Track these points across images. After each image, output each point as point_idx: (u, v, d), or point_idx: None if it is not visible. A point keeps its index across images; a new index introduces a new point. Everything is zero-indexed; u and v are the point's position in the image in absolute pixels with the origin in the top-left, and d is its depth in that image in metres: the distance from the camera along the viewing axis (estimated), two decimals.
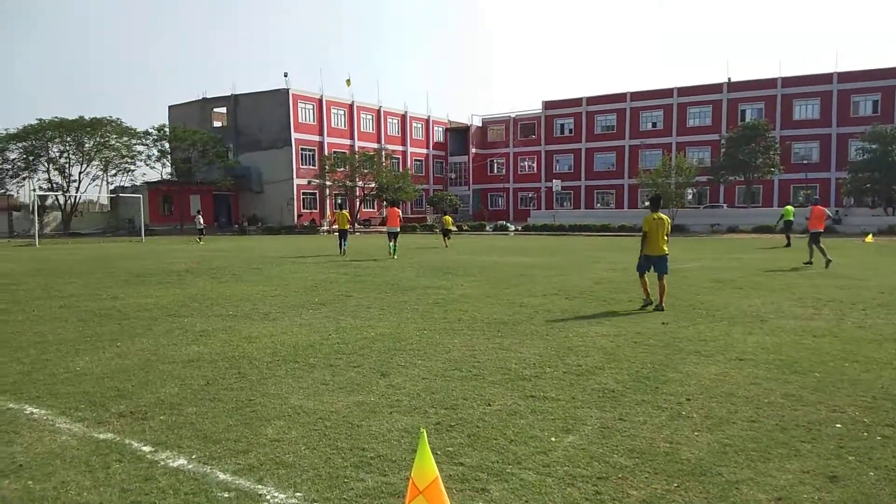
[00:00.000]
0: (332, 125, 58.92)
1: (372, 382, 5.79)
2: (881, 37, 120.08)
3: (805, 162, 48.82)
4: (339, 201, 56.22)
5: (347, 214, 24.04)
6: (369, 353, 6.90)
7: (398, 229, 22.03)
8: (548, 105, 68.32)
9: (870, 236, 29.02)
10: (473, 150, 71.46)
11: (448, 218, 29.96)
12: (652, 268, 10.07)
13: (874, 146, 40.78)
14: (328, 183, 53.72)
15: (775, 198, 56.33)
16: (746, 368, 6.18)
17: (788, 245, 24.91)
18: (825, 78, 55.27)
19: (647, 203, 54.06)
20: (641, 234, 10.20)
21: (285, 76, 56.13)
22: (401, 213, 24.82)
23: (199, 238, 35.90)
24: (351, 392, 5.52)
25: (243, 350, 7.15)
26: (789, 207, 25.98)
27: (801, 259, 18.10)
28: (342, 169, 53.58)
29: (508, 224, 49.38)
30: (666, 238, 10.09)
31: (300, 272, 16.06)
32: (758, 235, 34.72)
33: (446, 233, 29.35)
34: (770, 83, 57.32)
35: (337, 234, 24.53)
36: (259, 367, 6.41)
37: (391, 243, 21.45)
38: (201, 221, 36.74)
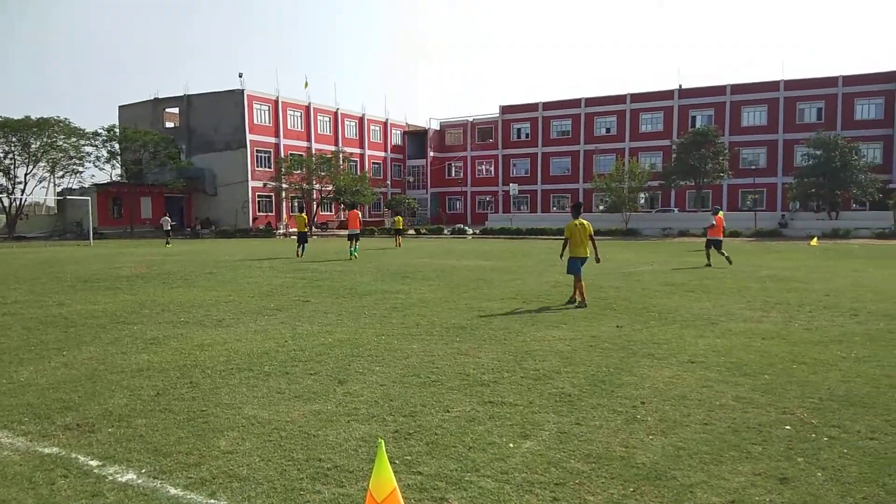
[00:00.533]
0: (289, 127, 58.20)
1: (329, 390, 5.72)
2: (825, 47, 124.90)
3: (753, 167, 50.18)
4: (297, 204, 55.56)
5: (305, 217, 23.90)
6: (326, 360, 6.82)
7: (358, 231, 22.74)
8: (505, 109, 68.86)
9: (815, 240, 30.02)
10: (431, 154, 71.52)
11: (399, 218, 32.79)
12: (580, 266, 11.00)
13: (818, 152, 42.23)
14: (284, 185, 52.99)
15: (724, 202, 57.91)
16: (698, 371, 6.31)
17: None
18: (772, 86, 57.09)
19: (601, 207, 55.05)
20: (563, 239, 11.13)
21: (240, 76, 55.09)
22: (360, 216, 25.17)
23: (167, 241, 35.43)
24: (307, 400, 5.44)
25: (195, 358, 6.99)
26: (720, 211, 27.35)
27: (721, 264, 18.62)
28: (299, 171, 52.95)
29: (466, 227, 49.55)
30: (591, 241, 11.14)
31: (255, 277, 15.82)
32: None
33: (398, 232, 32.14)
34: (719, 90, 58.93)
35: (295, 237, 24.28)
36: (212, 375, 6.27)
37: (351, 245, 22.16)
38: (170, 223, 36.73)
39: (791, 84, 56.58)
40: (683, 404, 5.29)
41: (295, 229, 24.35)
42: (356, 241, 22.23)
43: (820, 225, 39.39)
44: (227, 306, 10.77)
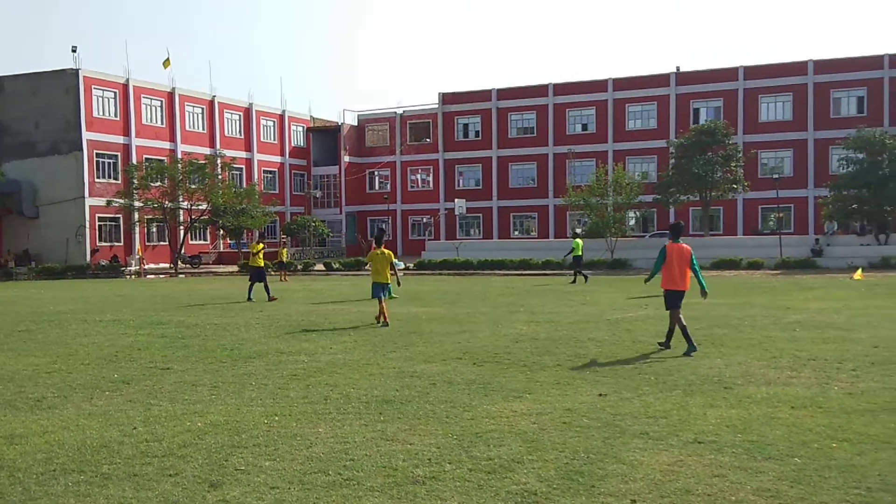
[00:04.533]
0: (144, 121, 57.29)
1: (196, 498, 5.60)
2: (865, 21, 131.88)
3: (776, 176, 52.08)
4: (159, 228, 54.53)
5: (261, 247, 25.28)
6: (194, 454, 6.70)
7: (262, 267, 24.38)
8: (447, 98, 69.76)
9: (859, 272, 31.22)
10: (347, 159, 71.63)
11: (284, 250, 37.35)
12: (383, 291, 16.75)
13: (860, 156, 44.05)
14: (138, 203, 51.91)
15: (740, 223, 59.83)
16: (707, 454, 6.44)
17: (574, 282, 30.12)
18: (798, 68, 59.71)
19: (579, 230, 55.97)
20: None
21: (74, 52, 53.84)
22: (262, 248, 26.00)
23: None
24: None
25: (1, 456, 6.75)
26: (579, 241, 31.23)
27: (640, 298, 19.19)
28: (158, 184, 52.02)
29: (396, 260, 49.56)
30: (391, 269, 17.28)
31: (94, 335, 15.46)
32: (719, 272, 36.67)
33: (282, 266, 36.60)
34: (730, 74, 61.30)
35: (250, 276, 24.89)
36: (25, 481, 6.06)
37: (252, 284, 23.91)
38: None
39: (823, 65, 59.29)
40: (687, 501, 5.36)
41: (251, 263, 24.81)
42: (261, 281, 23.87)
43: (865, 252, 40.95)
44: (51, 379, 10.48)
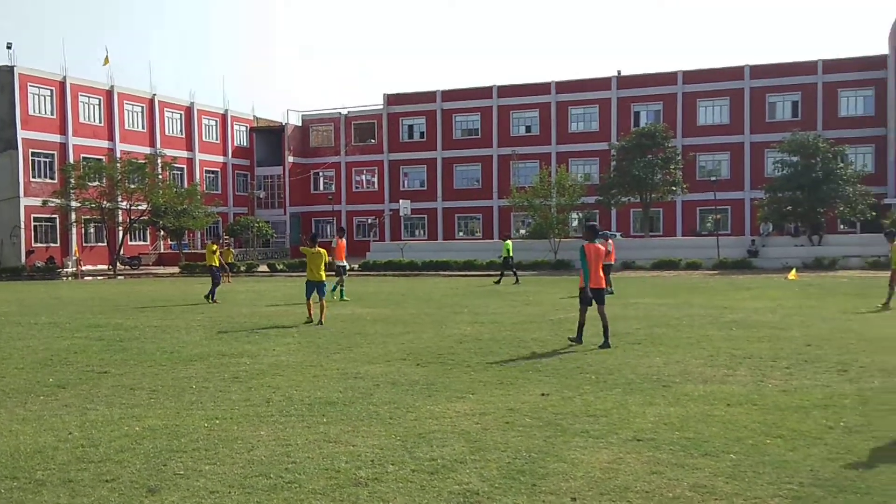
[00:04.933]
0: (81, 120, 56.15)
1: (133, 503, 5.52)
2: (800, 28, 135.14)
3: (714, 179, 53.13)
4: (96, 228, 53.40)
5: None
6: (132, 459, 6.59)
7: (217, 267, 24.20)
8: (392, 100, 69.67)
9: (793, 272, 31.99)
10: (291, 159, 71.03)
11: (230, 251, 38.11)
12: (316, 290, 17.16)
13: (795, 158, 45.19)
14: (75, 203, 50.84)
15: (679, 224, 60.90)
16: (646, 452, 6.54)
17: (499, 282, 30.75)
18: (735, 73, 61.00)
19: (523, 231, 56.47)
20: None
21: (9, 48, 52.55)
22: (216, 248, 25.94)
23: None
24: None
25: None
26: (509, 243, 32.25)
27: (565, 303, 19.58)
28: (97, 183, 51.00)
29: (341, 262, 49.32)
30: (324, 267, 17.57)
31: (28, 338, 15.14)
32: (659, 273, 37.26)
33: (224, 268, 35.61)
34: (669, 78, 62.33)
35: (211, 275, 24.60)
36: None
37: (337, 284, 23.43)
38: None
39: (759, 70, 60.68)
40: (626, 498, 5.44)
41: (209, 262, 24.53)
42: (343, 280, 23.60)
43: (799, 253, 41.99)
44: None
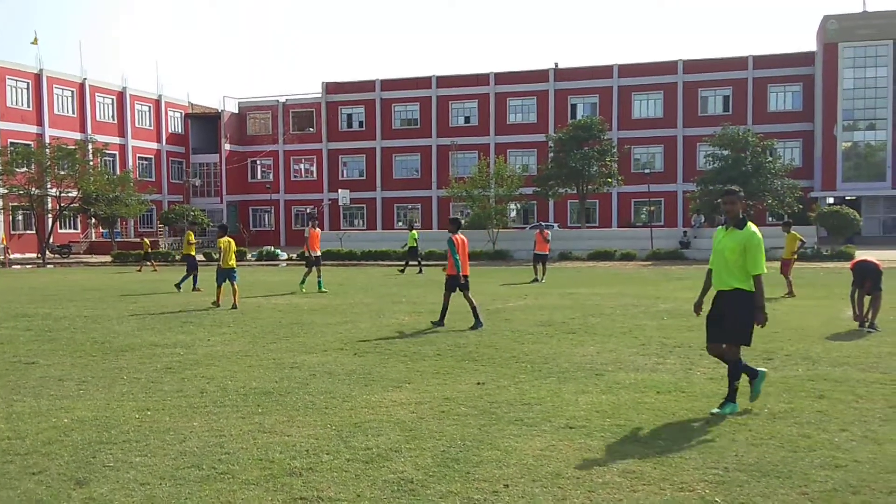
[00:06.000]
0: (9, 104, 54.63)
1: (61, 496, 5.43)
2: (730, 24, 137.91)
3: (647, 171, 53.98)
4: (25, 216, 51.91)
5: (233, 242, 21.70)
6: (59, 451, 6.48)
7: (319, 254, 22.89)
8: (331, 88, 69.17)
9: None
10: (227, 147, 70.04)
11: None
12: (227, 277, 18.10)
13: (725, 152, 46.27)
14: (2, 190, 49.40)
15: (614, 215, 61.83)
16: (577, 438, 6.66)
17: (403, 272, 31.57)
18: (668, 67, 62.10)
19: (462, 222, 56.48)
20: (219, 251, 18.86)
21: None
22: (193, 239, 25.55)
23: None
24: None
25: None
26: (415, 233, 33.45)
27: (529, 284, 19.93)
28: (25, 170, 49.60)
29: (278, 251, 48.86)
30: (234, 256, 18.67)
31: None
32: (595, 263, 37.76)
33: (146, 257, 37.32)
34: (605, 72, 63.15)
35: (186, 264, 24.33)
36: None
37: (309, 274, 22.44)
38: None
39: (692, 66, 61.87)
40: (557, 484, 5.53)
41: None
42: (319, 270, 22.60)
43: None
44: None
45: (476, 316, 14.12)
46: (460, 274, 14.30)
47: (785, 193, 45.62)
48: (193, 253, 24.50)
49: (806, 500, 5.25)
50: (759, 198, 45.89)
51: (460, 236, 14.70)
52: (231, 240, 18.90)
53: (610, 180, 50.44)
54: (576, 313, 16.05)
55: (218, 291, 18.25)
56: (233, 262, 18.46)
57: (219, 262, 18.79)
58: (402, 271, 31.73)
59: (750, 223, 7.72)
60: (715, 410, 7.41)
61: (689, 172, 58.84)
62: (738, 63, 60.73)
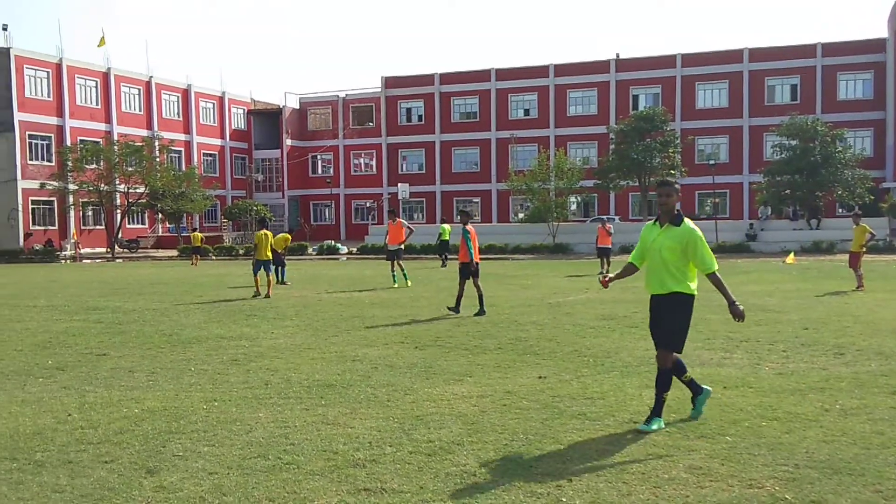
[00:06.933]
0: (79, 102, 56.06)
1: (133, 484, 5.53)
2: (798, 10, 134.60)
3: (712, 163, 53.05)
4: (94, 211, 53.33)
5: (270, 235, 21.23)
6: (130, 440, 6.61)
7: (401, 247, 22.85)
8: (389, 82, 69.46)
9: (791, 256, 32.06)
10: (289, 142, 70.93)
11: (198, 234, 41.03)
12: (262, 267, 19.31)
13: (793, 142, 45.23)
14: (73, 186, 50.77)
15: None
16: (642, 434, 6.57)
17: (444, 266, 31.32)
18: (734, 56, 60.86)
19: (521, 216, 56.38)
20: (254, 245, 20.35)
21: (4, 30, 52.40)
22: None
23: None
24: (100, 501, 5.24)
25: None
26: (446, 227, 34.07)
27: None
28: (94, 166, 50.94)
29: (339, 245, 49.37)
30: (272, 247, 19.95)
31: (27, 320, 15.17)
32: None
33: (196, 251, 39.53)
34: (668, 62, 62.18)
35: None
36: None
37: (394, 269, 21.97)
38: None
39: (758, 54, 60.52)
40: (622, 479, 5.47)
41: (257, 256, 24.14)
42: (395, 264, 22.02)
43: (797, 236, 42.08)
44: None
45: (481, 303, 15.14)
46: (473, 261, 15.38)
47: (855, 184, 44.44)
48: (280, 249, 24.35)
49: (880, 498, 5.11)
50: (828, 189, 44.82)
51: (472, 227, 15.91)
52: (268, 233, 19.94)
53: (673, 172, 49.70)
54: (638, 307, 15.82)
55: (255, 281, 19.33)
56: (268, 255, 19.54)
57: (254, 255, 20.02)
58: (444, 265, 31.75)
59: (686, 219, 7.02)
60: (641, 427, 6.66)
61: (755, 163, 57.60)
62: (807, 51, 59.22)
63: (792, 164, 44.24)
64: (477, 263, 15.55)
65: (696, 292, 7.06)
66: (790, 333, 11.97)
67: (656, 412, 6.80)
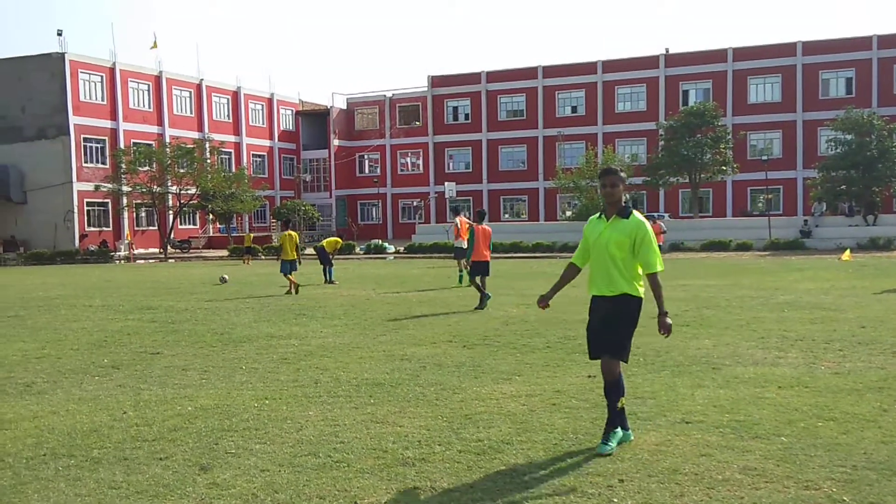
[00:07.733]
0: (131, 106, 57.07)
1: (187, 481, 5.61)
2: (853, 2, 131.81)
3: (765, 158, 52.11)
4: (147, 213, 54.25)
5: (295, 236, 21.96)
6: (184, 438, 6.70)
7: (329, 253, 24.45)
8: (436, 81, 69.60)
9: (847, 253, 31.43)
10: (336, 143, 71.46)
11: (250, 235, 42.96)
12: (289, 267, 20.40)
13: (849, 136, 44.35)
14: (126, 188, 51.74)
15: (729, 204, 60.05)
16: (694, 434, 6.48)
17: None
18: (787, 49, 59.78)
19: (568, 213, 56.13)
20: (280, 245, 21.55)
21: (59, 35, 53.50)
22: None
23: None
24: (154, 497, 5.32)
25: None
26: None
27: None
28: (147, 168, 51.85)
29: (386, 244, 49.58)
30: (297, 247, 21.07)
31: (83, 320, 15.44)
32: (708, 254, 36.82)
33: (248, 251, 41.31)
34: (719, 56, 61.34)
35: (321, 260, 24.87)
36: (15, 466, 6.05)
37: (462, 267, 21.78)
38: None
39: (811, 47, 59.37)
40: (675, 480, 5.40)
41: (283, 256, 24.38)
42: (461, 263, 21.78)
43: (853, 233, 41.25)
44: (40, 364, 10.46)
45: (481, 299, 16.04)
46: (475, 260, 16.59)
47: None
48: (329, 250, 24.70)
49: None
50: (885, 183, 43.88)
51: (484, 227, 17.06)
52: (293, 234, 21.11)
53: (724, 168, 49.12)
54: (689, 305, 15.68)
55: (289, 279, 20.28)
56: (294, 255, 20.66)
57: (281, 255, 21.04)
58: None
59: (634, 211, 6.34)
60: (599, 449, 5.97)
61: (809, 158, 56.57)
62: (861, 43, 57.96)
63: (847, 159, 43.39)
64: (487, 263, 16.85)
65: (643, 296, 6.42)
66: (846, 332, 11.72)
67: (615, 423, 6.15)
